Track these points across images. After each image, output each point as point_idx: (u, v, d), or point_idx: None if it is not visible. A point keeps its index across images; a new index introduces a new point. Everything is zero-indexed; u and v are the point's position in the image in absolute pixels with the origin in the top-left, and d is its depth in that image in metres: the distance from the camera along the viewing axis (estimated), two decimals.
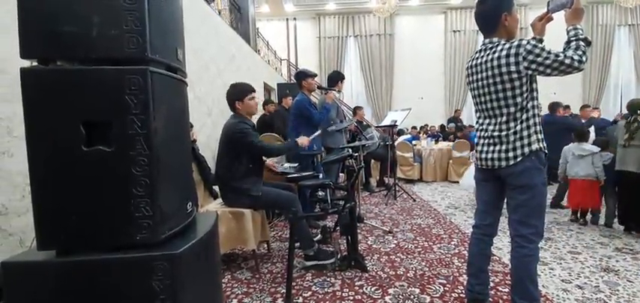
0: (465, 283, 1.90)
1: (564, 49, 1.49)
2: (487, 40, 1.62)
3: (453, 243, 2.98)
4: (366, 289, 2.15)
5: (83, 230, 0.97)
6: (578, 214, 3.54)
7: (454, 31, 12.28)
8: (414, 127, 9.51)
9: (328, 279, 2.29)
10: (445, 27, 12.42)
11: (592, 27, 12.01)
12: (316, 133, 2.76)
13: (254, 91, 2.49)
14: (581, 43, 1.45)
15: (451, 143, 6.78)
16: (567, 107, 5.67)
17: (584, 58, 1.43)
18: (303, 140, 2.54)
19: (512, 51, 1.48)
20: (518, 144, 1.54)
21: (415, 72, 12.48)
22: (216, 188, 2.98)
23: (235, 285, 2.26)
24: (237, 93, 2.41)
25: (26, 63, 0.98)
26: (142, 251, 0.98)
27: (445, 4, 12.11)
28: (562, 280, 2.23)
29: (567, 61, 1.42)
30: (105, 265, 0.97)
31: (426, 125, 10.06)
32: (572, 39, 1.48)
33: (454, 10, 12.20)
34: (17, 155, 1.87)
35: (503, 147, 1.57)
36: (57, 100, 0.95)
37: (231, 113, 2.49)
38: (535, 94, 1.55)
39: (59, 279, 0.96)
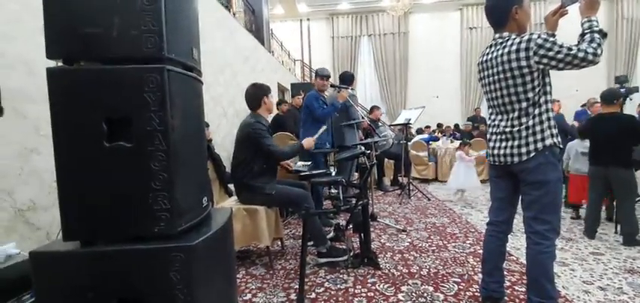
0: (480, 281, 1.88)
1: (578, 41, 1.45)
2: (497, 35, 1.60)
3: (468, 242, 2.93)
4: (379, 286, 2.15)
5: (105, 222, 1.02)
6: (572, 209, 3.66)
7: (470, 28, 12.03)
8: (427, 127, 9.36)
9: (341, 276, 2.30)
10: (461, 24, 12.18)
11: (617, 21, 11.52)
12: (322, 129, 2.77)
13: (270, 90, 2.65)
14: (596, 35, 1.41)
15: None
16: None
17: (599, 51, 1.39)
18: (309, 142, 2.58)
19: (523, 45, 1.46)
20: (530, 139, 1.51)
21: (430, 70, 12.30)
22: (231, 187, 3.04)
23: (250, 280, 2.30)
24: (265, 89, 2.56)
25: (53, 63, 1.04)
26: (159, 243, 1.02)
27: (461, 1, 11.88)
28: (583, 282, 2.16)
29: (581, 54, 1.38)
30: (125, 255, 1.01)
31: (442, 125, 9.90)
32: (586, 31, 1.45)
33: (470, 7, 11.95)
34: (44, 153, 1.97)
35: (516, 142, 1.55)
36: (81, 98, 1.00)
37: (249, 113, 2.56)
38: (548, 88, 1.52)
39: (83, 268, 1.01)
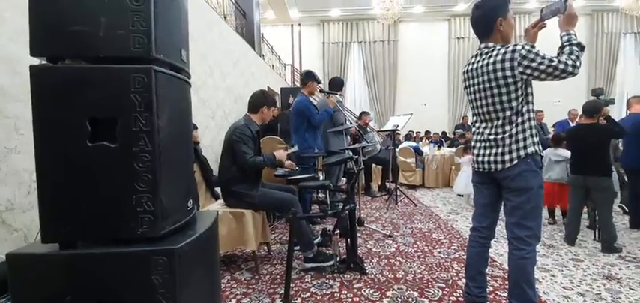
0: (463, 286, 1.91)
1: (558, 54, 1.51)
2: (483, 45, 1.65)
3: (453, 247, 2.97)
4: (365, 291, 2.16)
5: (86, 223, 1.00)
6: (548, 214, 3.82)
7: (458, 38, 12.31)
8: (411, 131, 9.46)
9: (327, 281, 2.30)
10: (449, 34, 12.45)
11: (597, 35, 11.97)
12: (293, 150, 2.85)
13: (275, 104, 2.62)
14: (575, 48, 1.48)
15: (454, 149, 6.76)
16: None
17: (578, 63, 1.45)
18: (281, 155, 2.60)
19: (507, 56, 1.50)
20: (513, 147, 1.56)
21: (419, 78, 12.50)
22: (217, 190, 3.01)
23: (234, 285, 2.28)
24: (269, 100, 2.60)
25: (37, 62, 1.02)
26: (142, 245, 1.00)
27: (449, 12, 12.15)
28: (563, 287, 2.22)
29: (561, 66, 1.45)
30: (106, 258, 0.99)
31: (429, 132, 10.06)
32: (565, 44, 1.51)
33: (458, 17, 12.23)
34: (24, 153, 1.92)
35: (500, 150, 1.59)
36: (64, 97, 0.98)
37: (244, 114, 2.55)
38: (530, 98, 1.57)
39: (62, 271, 0.99)
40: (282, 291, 2.07)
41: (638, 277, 2.37)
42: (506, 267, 2.46)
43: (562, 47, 1.52)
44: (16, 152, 1.91)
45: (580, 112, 6.12)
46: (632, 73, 12.24)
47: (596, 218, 3.12)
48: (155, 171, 1.00)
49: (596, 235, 3.14)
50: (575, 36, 1.51)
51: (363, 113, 5.74)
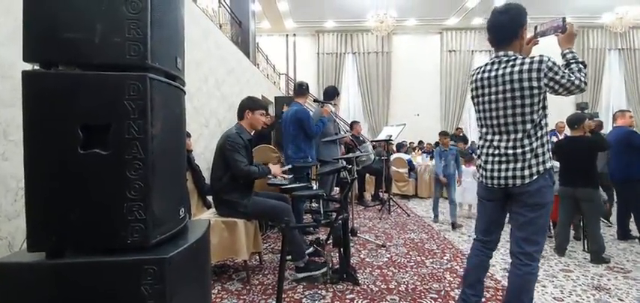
0: (459, 294, 1.89)
1: (569, 71, 1.50)
2: (502, 53, 1.56)
3: (445, 258, 2.98)
4: (357, 302, 2.14)
5: (75, 232, 0.98)
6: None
7: (449, 51, 12.56)
8: (404, 141, 9.50)
9: (319, 291, 2.28)
10: (441, 47, 12.70)
11: (583, 51, 12.32)
12: (286, 167, 2.88)
13: (266, 109, 2.61)
14: (581, 65, 1.49)
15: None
16: None
17: (586, 80, 1.46)
18: (276, 170, 2.60)
19: (534, 66, 1.44)
20: (533, 162, 1.50)
21: (411, 89, 12.68)
22: (210, 199, 2.98)
23: (225, 296, 2.24)
24: (252, 104, 2.54)
25: (30, 67, 1.01)
26: (132, 255, 0.98)
27: (441, 25, 12.40)
28: (554, 298, 2.24)
29: (576, 81, 1.44)
30: (94, 267, 0.97)
31: (422, 142, 10.14)
32: (571, 61, 1.50)
33: (450, 31, 12.49)
34: (12, 159, 1.88)
35: (519, 165, 1.51)
36: (56, 104, 0.97)
37: (235, 124, 2.54)
38: (547, 111, 1.53)
39: (48, 280, 0.96)
40: (274, 302, 2.05)
41: (626, 287, 2.40)
42: (499, 277, 2.49)
43: (568, 64, 1.51)
44: (4, 159, 1.87)
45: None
46: (617, 88, 12.62)
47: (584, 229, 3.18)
48: (147, 179, 0.99)
49: (585, 246, 3.18)
50: (577, 53, 1.53)
51: (354, 122, 5.76)
